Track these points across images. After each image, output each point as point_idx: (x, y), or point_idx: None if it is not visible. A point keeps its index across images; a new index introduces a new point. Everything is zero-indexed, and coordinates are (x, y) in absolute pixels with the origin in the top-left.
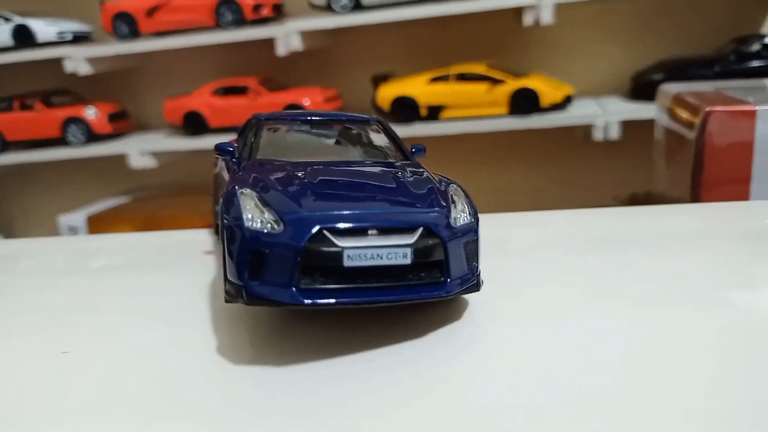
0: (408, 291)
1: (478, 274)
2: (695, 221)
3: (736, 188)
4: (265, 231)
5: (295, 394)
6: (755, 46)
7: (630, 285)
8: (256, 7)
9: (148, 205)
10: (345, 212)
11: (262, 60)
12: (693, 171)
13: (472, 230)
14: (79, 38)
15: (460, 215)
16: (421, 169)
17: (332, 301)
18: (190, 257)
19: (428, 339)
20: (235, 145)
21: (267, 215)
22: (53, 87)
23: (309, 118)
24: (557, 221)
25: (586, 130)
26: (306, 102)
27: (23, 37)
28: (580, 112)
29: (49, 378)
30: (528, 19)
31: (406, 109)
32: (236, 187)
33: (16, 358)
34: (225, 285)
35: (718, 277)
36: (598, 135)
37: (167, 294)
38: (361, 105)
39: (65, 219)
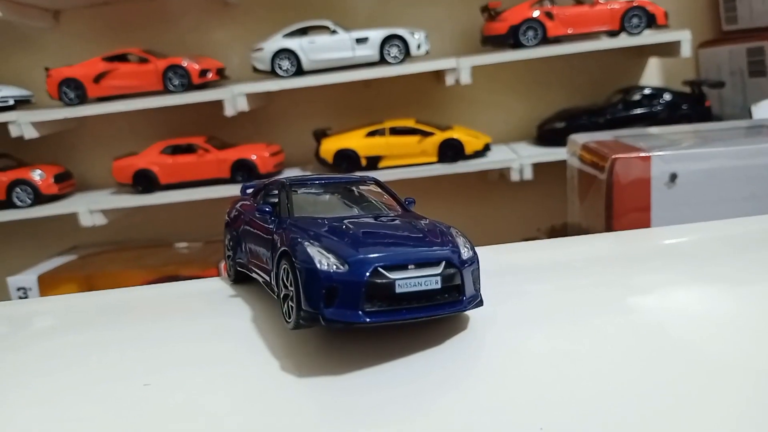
0: (437, 308)
1: (480, 294)
2: (607, 246)
3: (640, 216)
4: (333, 270)
5: (339, 400)
6: (637, 96)
7: (549, 301)
8: (203, 72)
9: (93, 262)
10: (390, 253)
11: (208, 120)
12: (606, 205)
13: (474, 261)
14: (18, 103)
15: (464, 250)
16: (425, 218)
17: (388, 318)
18: (216, 304)
19: (447, 344)
20: (259, 204)
21: (332, 259)
22: None
23: (321, 181)
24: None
25: (503, 172)
26: (253, 157)
27: None
28: (498, 158)
29: (132, 408)
30: (450, 80)
31: (347, 160)
32: (300, 240)
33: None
34: (299, 314)
35: (619, 288)
36: (515, 176)
37: (217, 338)
38: (304, 158)
39: (14, 280)
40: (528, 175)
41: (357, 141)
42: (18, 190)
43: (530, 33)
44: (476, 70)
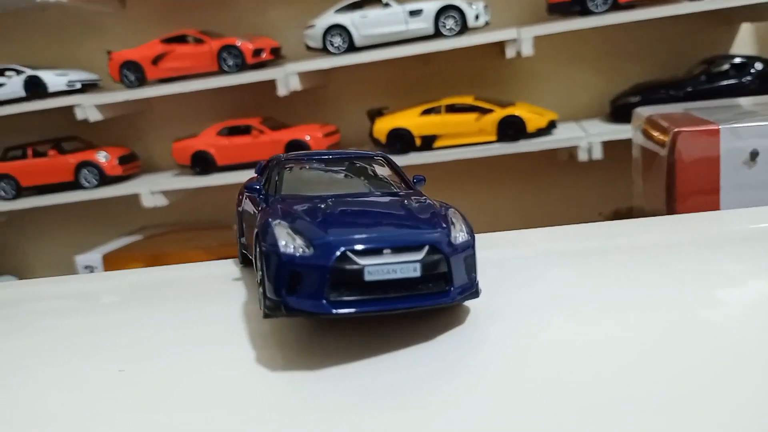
0: (418, 299)
1: (477, 283)
2: (671, 232)
3: (707, 199)
4: (298, 254)
5: (320, 393)
6: (724, 66)
7: (618, 292)
8: (257, 52)
9: (157, 242)
10: (363, 236)
11: (262, 101)
12: (667, 185)
13: (469, 246)
14: (87, 86)
15: (459, 234)
16: (424, 197)
17: (356, 310)
18: (221, 286)
19: (438, 341)
20: (261, 183)
21: (299, 241)
22: (64, 135)
23: (322, 157)
24: (545, 237)
25: (571, 151)
26: (307, 138)
27: (34, 88)
28: (564, 136)
29: (106, 391)
30: (510, 52)
31: (400, 140)
32: (270, 219)
33: (72, 375)
34: (265, 302)
35: (700, 279)
36: (582, 156)
37: (205, 322)
38: (359, 138)
39: (82, 259)
40: (597, 154)
41: (411, 120)
42: (85, 171)
43: None
44: (540, 41)
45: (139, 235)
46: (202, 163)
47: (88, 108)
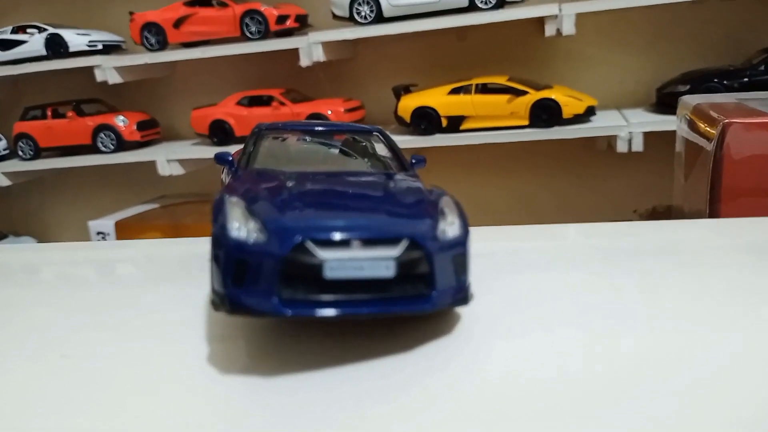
0: (391, 304)
1: (468, 287)
2: (712, 236)
3: (757, 201)
4: (250, 241)
5: (283, 404)
6: None
7: (644, 303)
8: (281, 18)
9: (174, 212)
10: (328, 222)
11: (285, 71)
12: (711, 183)
13: (461, 243)
14: (109, 48)
15: (449, 228)
16: (415, 180)
17: (312, 312)
18: (191, 269)
19: (417, 352)
20: (233, 154)
21: (252, 224)
22: (85, 96)
23: (310, 128)
24: (572, 234)
25: (609, 141)
26: (328, 113)
27: (55, 47)
28: (603, 123)
29: (46, 378)
30: (550, 30)
31: (426, 119)
32: (226, 196)
33: (16, 359)
34: (211, 293)
35: (741, 296)
36: (621, 146)
37: (168, 308)
38: (383, 116)
39: (95, 224)
40: (638, 145)
41: (438, 98)
42: (102, 135)
43: None
44: (583, 18)
45: (155, 203)
46: (220, 133)
47: (108, 70)
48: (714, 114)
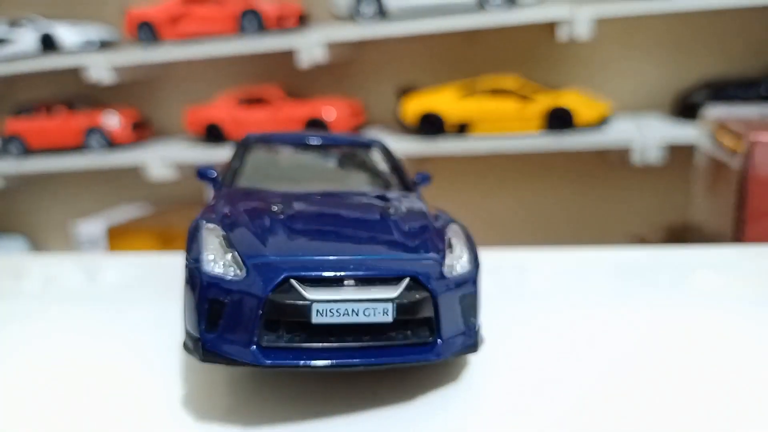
0: (390, 353)
1: (477, 331)
2: (737, 265)
3: None
4: (227, 278)
5: None
6: None
7: (659, 347)
8: (280, 18)
9: (167, 218)
10: (317, 258)
11: (283, 71)
12: (736, 203)
13: (470, 281)
14: (103, 45)
15: (457, 262)
16: (419, 204)
17: (298, 363)
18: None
19: (419, 403)
20: (217, 170)
21: (230, 258)
22: (76, 94)
23: (305, 141)
24: (582, 260)
25: (622, 153)
26: (329, 115)
27: (49, 44)
28: (617, 134)
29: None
30: (562, 35)
31: (432, 124)
32: (203, 221)
33: None
34: (184, 335)
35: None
36: (635, 158)
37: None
38: (385, 118)
39: (84, 227)
40: (653, 158)
41: (445, 101)
42: (95, 135)
43: None
44: (598, 23)
45: (147, 207)
46: (215, 134)
47: (101, 69)
48: (740, 129)
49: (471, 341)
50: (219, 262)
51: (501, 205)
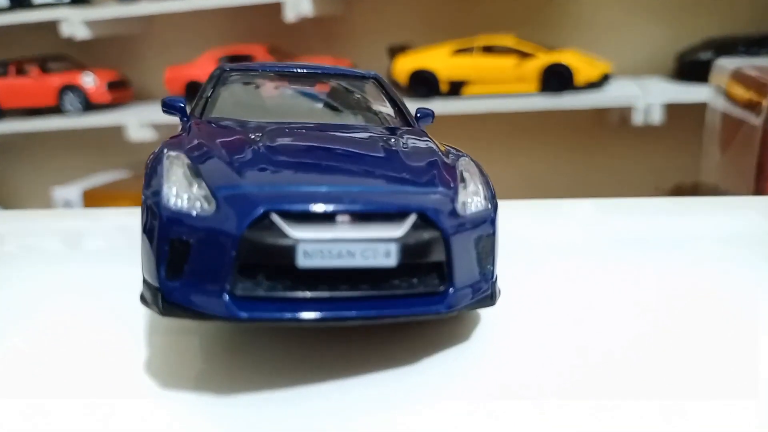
0: (392, 305)
1: (494, 282)
2: (759, 218)
3: None
4: (193, 213)
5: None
6: None
7: (669, 296)
8: None
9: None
10: (304, 188)
11: (268, 27)
12: (759, 160)
13: (487, 220)
14: (75, 2)
15: (472, 199)
16: (424, 137)
17: (282, 316)
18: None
19: (422, 366)
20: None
21: (196, 190)
22: (51, 53)
23: (289, 70)
24: (590, 211)
25: (624, 112)
26: None
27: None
28: (617, 93)
29: None
30: None
31: (425, 83)
32: (165, 150)
33: None
34: (142, 284)
35: None
36: (637, 118)
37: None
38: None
39: (60, 192)
40: (656, 118)
41: (439, 60)
42: (69, 95)
43: None
44: None
45: (126, 171)
46: (196, 94)
47: (75, 24)
48: (761, 79)
49: (488, 292)
50: (183, 195)
51: (496, 167)
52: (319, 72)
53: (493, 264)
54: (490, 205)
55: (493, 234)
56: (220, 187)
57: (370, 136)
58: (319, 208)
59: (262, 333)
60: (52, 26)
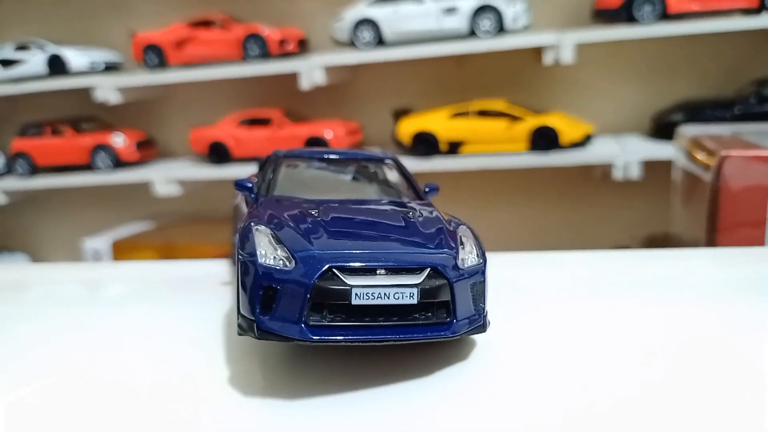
0: (414, 330)
1: (485, 315)
2: (710, 267)
3: (753, 232)
4: (278, 267)
5: (302, 427)
6: None
7: (643, 335)
8: (282, 42)
9: (169, 232)
10: (354, 251)
11: (284, 93)
12: (709, 213)
13: (479, 271)
14: (109, 68)
15: (468, 256)
16: (432, 209)
17: (340, 338)
18: (206, 289)
19: (436, 378)
20: (254, 181)
21: (280, 252)
22: (83, 114)
23: (326, 156)
24: (573, 262)
25: (605, 169)
26: (328, 134)
27: (56, 67)
28: (599, 151)
29: (61, 403)
30: (548, 59)
31: (426, 143)
32: (252, 224)
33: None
34: (238, 319)
35: (735, 330)
36: (617, 174)
37: (181, 326)
38: (382, 138)
39: (90, 243)
40: (634, 173)
41: (438, 122)
42: (101, 153)
43: (647, 7)
44: (581, 49)
45: (151, 223)
46: (218, 153)
47: (108, 90)
48: (712, 146)
49: (480, 323)
50: (270, 256)
51: (490, 218)
52: (350, 156)
53: (484, 302)
54: (481, 260)
55: (484, 281)
56: (297, 251)
57: (393, 209)
58: (364, 264)
59: (312, 357)
60: (85, 92)
